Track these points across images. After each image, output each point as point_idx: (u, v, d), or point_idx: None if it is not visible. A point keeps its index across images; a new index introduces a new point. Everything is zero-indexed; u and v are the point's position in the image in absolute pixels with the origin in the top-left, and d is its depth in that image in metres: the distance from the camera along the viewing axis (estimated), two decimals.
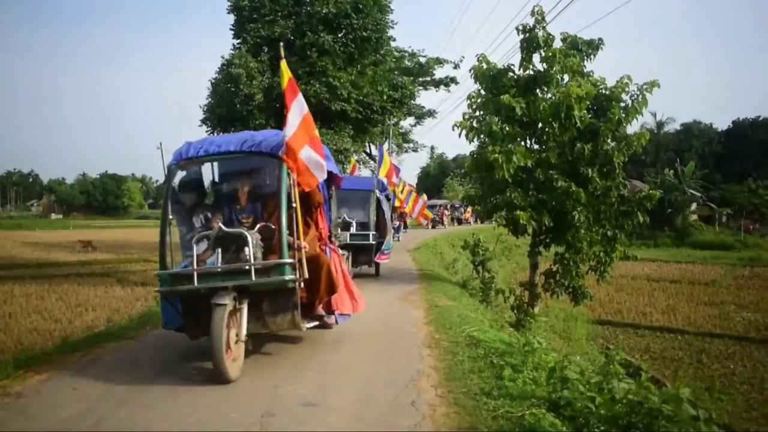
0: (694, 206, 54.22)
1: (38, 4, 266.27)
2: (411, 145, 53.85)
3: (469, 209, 45.93)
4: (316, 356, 6.76)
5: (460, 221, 49.78)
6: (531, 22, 13.17)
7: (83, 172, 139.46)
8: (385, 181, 15.54)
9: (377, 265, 14.63)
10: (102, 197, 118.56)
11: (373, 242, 13.33)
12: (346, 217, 13.08)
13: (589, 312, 23.15)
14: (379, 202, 14.26)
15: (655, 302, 25.73)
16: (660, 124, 64.76)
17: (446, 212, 47.95)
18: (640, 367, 12.36)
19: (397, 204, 24.09)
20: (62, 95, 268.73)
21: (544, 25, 13.07)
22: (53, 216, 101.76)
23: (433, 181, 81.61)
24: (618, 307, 24.73)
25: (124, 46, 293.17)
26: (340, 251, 9.68)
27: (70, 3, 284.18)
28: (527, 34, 13.12)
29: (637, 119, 13.63)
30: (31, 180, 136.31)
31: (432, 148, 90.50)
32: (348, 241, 12.61)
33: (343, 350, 7.11)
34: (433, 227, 41.82)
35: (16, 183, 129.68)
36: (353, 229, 13.07)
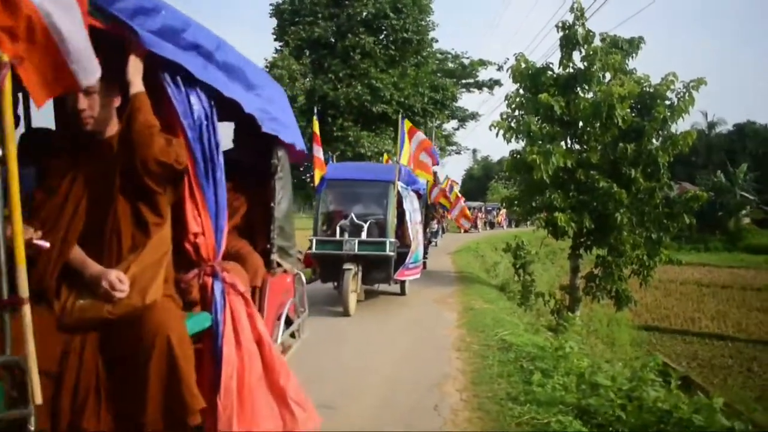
0: (747, 209, 52.36)
1: None
2: (454, 147, 53.52)
3: (503, 212, 44.76)
4: (341, 357, 6.67)
5: (492, 225, 46.55)
6: (570, 18, 12.88)
7: None
8: (409, 169, 11.55)
9: (402, 283, 11.13)
10: None
11: (391, 253, 9.37)
12: (354, 219, 9.47)
13: (635, 317, 22.55)
14: (400, 198, 10.31)
15: (705, 308, 24.94)
16: (711, 125, 62.69)
17: (480, 215, 44.56)
18: (686, 375, 12.00)
19: (443, 201, 21.99)
20: None
21: (584, 21, 12.74)
22: None
23: (477, 184, 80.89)
24: (665, 313, 24.05)
25: None
26: (349, 266, 8.90)
27: None
28: (566, 32, 12.83)
29: (683, 119, 13.16)
30: None
31: (474, 150, 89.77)
32: (356, 251, 9.14)
33: (369, 351, 7.01)
34: (466, 231, 39.83)
35: None
36: (364, 235, 9.33)
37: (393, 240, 9.45)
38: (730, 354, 19.03)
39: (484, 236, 34.40)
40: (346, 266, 8.87)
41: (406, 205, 10.38)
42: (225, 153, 2.95)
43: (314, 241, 9.36)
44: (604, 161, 13.21)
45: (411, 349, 7.27)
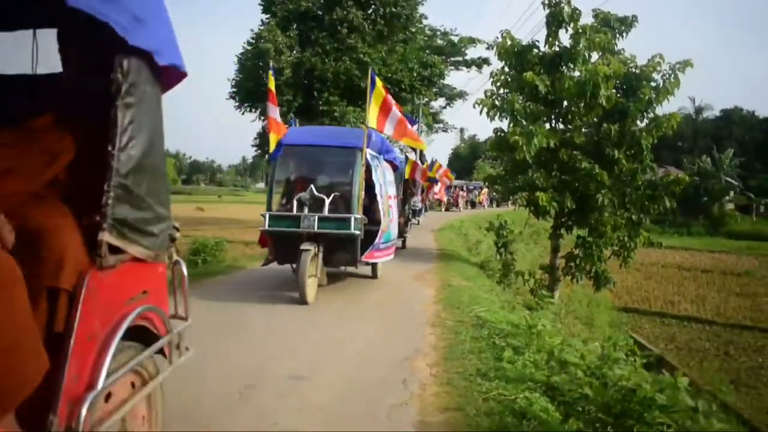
0: (731, 195, 52.81)
1: None
2: (441, 125, 53.34)
3: (484, 192, 44.33)
4: (315, 330, 6.63)
5: (473, 204, 45.44)
6: None
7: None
8: (383, 136, 9.93)
9: (374, 265, 9.96)
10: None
11: (357, 231, 8.04)
12: (315, 191, 8.16)
13: (615, 299, 22.76)
14: (370, 168, 8.96)
15: (685, 291, 25.24)
16: (699, 110, 63.03)
17: (462, 194, 43.84)
18: (661, 356, 12.11)
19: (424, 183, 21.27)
20: None
21: None
22: None
23: (464, 163, 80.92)
24: (645, 295, 24.31)
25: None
26: (307, 247, 7.72)
27: None
28: (552, 9, 12.67)
29: (668, 101, 13.10)
30: None
31: (462, 129, 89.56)
32: (316, 229, 7.89)
33: (344, 326, 6.97)
34: (447, 210, 38.35)
35: None
36: (326, 210, 8.05)
37: (359, 216, 8.17)
38: (707, 337, 19.28)
39: (467, 215, 34.35)
40: (304, 246, 7.72)
41: (376, 177, 9.05)
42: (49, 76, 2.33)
43: (267, 217, 8.20)
44: (587, 142, 13.15)
45: (385, 324, 7.23)
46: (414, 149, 45.81)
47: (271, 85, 8.58)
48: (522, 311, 9.06)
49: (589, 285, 15.28)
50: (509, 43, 13.14)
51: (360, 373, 5.17)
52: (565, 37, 13.01)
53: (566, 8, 12.41)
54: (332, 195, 8.26)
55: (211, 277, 10.24)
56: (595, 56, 13.12)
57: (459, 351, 5.84)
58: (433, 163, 22.32)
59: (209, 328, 5.79)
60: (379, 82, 9.04)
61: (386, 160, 10.40)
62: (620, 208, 13.29)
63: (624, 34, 13.27)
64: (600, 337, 14.12)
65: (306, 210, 8.05)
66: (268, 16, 25.04)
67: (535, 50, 13.28)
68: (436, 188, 21.34)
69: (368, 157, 8.74)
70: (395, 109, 9.18)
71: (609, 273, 14.24)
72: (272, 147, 8.35)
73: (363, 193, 8.49)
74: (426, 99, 37.06)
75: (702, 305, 22.87)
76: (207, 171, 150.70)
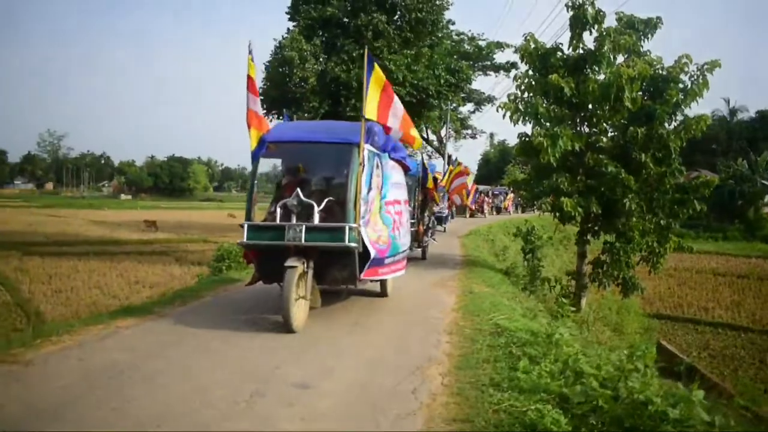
0: (767, 198, 51.39)
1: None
2: (469, 131, 53.11)
3: (510, 197, 43.60)
4: (327, 337, 6.56)
5: (499, 210, 44.13)
6: None
7: (152, 154, 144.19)
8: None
9: (383, 282, 8.83)
10: (169, 179, 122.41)
11: (353, 243, 6.79)
12: (301, 196, 7.01)
13: (647, 305, 22.31)
14: (374, 167, 7.87)
15: (719, 297, 24.60)
16: (733, 112, 61.57)
17: (487, 200, 42.39)
18: (692, 365, 11.75)
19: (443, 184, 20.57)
20: (132, 81, 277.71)
21: (593, 0, 12.35)
22: (122, 197, 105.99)
23: (494, 168, 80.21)
24: (678, 301, 23.77)
25: (188, 33, 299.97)
26: (293, 263, 6.57)
27: None
28: (576, 11, 12.46)
29: (697, 102, 12.77)
30: (102, 162, 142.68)
31: (491, 134, 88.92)
32: (303, 241, 6.71)
33: (357, 333, 6.89)
34: (472, 216, 36.69)
35: (89, 164, 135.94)
36: (316, 219, 6.89)
37: (355, 225, 6.85)
38: (742, 345, 18.77)
39: (494, 221, 34.02)
40: (289, 263, 6.59)
41: (367, 178, 7.46)
42: None
43: (245, 228, 6.99)
44: (614, 145, 12.90)
45: (400, 332, 7.13)
46: (441, 154, 45.63)
47: (252, 71, 7.28)
48: (544, 319, 8.88)
49: (619, 291, 14.97)
50: (533, 46, 12.97)
51: (369, 381, 5.08)
52: (589, 40, 12.80)
53: (590, 10, 12.20)
54: (326, 200, 7.13)
55: (212, 290, 9.97)
56: (620, 58, 12.88)
57: (474, 360, 5.73)
58: (453, 161, 21.78)
59: (152, 368, 5.31)
60: (377, 68, 7.52)
61: (394, 159, 8.99)
62: (648, 213, 12.98)
63: (649, 36, 12.98)
64: (628, 345, 13.83)
65: (294, 219, 6.92)
66: (293, 24, 25.23)
67: (559, 53, 13.07)
68: (456, 199, 20.91)
69: (366, 153, 7.37)
70: (397, 100, 7.99)
71: (638, 279, 13.92)
72: (253, 144, 7.28)
73: (362, 195, 7.11)
74: (454, 105, 36.98)
75: (737, 311, 22.26)
76: (238, 178, 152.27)
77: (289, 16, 25.68)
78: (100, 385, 4.76)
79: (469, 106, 48.59)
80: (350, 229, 6.78)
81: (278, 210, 7.05)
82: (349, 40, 24.07)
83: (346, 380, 5.07)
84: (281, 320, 6.61)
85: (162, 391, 4.65)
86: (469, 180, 23.18)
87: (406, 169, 10.00)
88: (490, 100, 46.34)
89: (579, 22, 12.42)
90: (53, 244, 28.31)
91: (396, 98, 7.91)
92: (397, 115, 7.95)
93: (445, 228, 24.92)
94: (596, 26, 12.42)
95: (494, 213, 42.79)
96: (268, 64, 25.07)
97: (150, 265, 23.25)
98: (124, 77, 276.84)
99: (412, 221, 12.94)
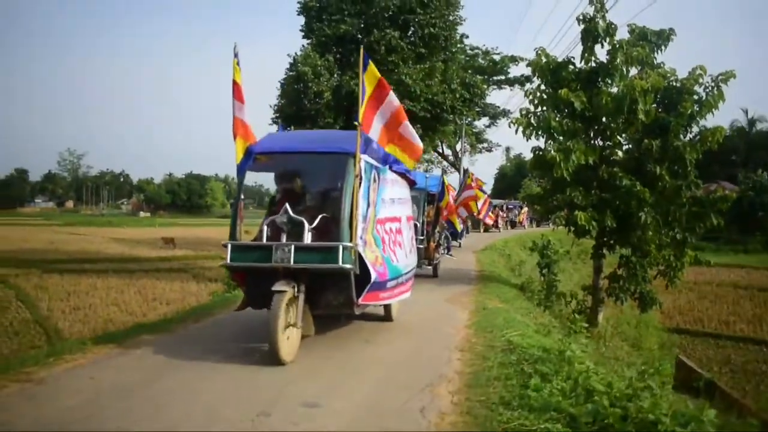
0: None
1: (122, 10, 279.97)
2: (485, 145, 53.04)
3: (524, 211, 43.23)
4: (338, 354, 6.54)
5: (513, 224, 43.46)
6: (591, 11, 12.46)
7: (170, 172, 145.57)
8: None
9: (387, 306, 8.25)
10: (186, 196, 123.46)
11: (348, 265, 6.10)
12: (290, 212, 6.36)
13: (666, 319, 21.98)
14: (371, 180, 7.16)
15: (741, 311, 24.12)
16: (752, 122, 60.85)
17: (501, 214, 41.42)
18: (711, 380, 11.54)
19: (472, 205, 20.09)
20: (151, 99, 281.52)
21: (604, 13, 12.33)
22: (141, 214, 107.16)
23: (510, 182, 79.91)
24: (698, 315, 23.35)
25: (207, 52, 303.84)
26: (281, 288, 5.95)
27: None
28: (587, 24, 12.43)
29: (713, 114, 12.63)
30: (121, 180, 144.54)
31: (507, 148, 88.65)
32: (292, 263, 6.06)
33: (368, 350, 6.86)
34: (486, 231, 36.13)
35: (109, 183, 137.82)
36: (307, 238, 6.24)
37: (350, 244, 6.16)
38: (765, 359, 18.35)
39: (509, 235, 33.73)
40: (278, 287, 5.97)
41: (364, 193, 6.66)
42: None
43: (229, 248, 6.40)
44: (628, 158, 12.80)
45: (412, 349, 7.09)
46: (452, 161, 45.38)
47: (237, 76, 6.71)
48: (558, 335, 8.78)
49: (636, 306, 14.78)
50: (544, 60, 12.95)
51: (378, 400, 5.05)
52: (601, 53, 12.76)
53: (601, 23, 12.17)
54: (320, 216, 6.45)
55: (225, 307, 9.92)
56: (633, 71, 12.80)
57: (484, 378, 5.67)
58: (465, 172, 21.42)
59: (161, 387, 5.29)
60: (372, 66, 6.73)
61: (396, 172, 8.28)
62: (665, 227, 12.83)
63: (663, 47, 12.91)
64: (644, 361, 13.65)
65: (284, 237, 6.29)
66: (308, 41, 25.45)
67: (571, 66, 13.03)
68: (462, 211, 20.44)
69: (363, 165, 6.64)
70: (392, 99, 6.91)
71: (655, 293, 13.74)
72: (238, 156, 6.70)
73: (360, 211, 6.44)
74: (468, 119, 37.01)
75: (759, 325, 21.79)
76: (255, 195, 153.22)
77: (303, 34, 25.93)
78: (110, 405, 4.78)
79: (485, 120, 48.63)
80: (344, 248, 6.09)
81: (265, 228, 6.47)
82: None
83: (355, 399, 5.04)
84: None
85: (169, 411, 4.65)
86: (481, 194, 22.87)
87: (411, 184, 9.46)
88: (506, 113, 46.29)
89: (590, 36, 12.38)
90: (73, 262, 28.58)
91: (391, 95, 6.91)
92: (384, 117, 6.93)
93: (460, 243, 24.80)
94: (608, 39, 12.37)
95: (508, 227, 42.40)
96: (283, 81, 25.28)
97: (168, 281, 23.39)
98: (142, 96, 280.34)
99: (421, 238, 12.64)
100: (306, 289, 6.26)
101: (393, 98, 6.89)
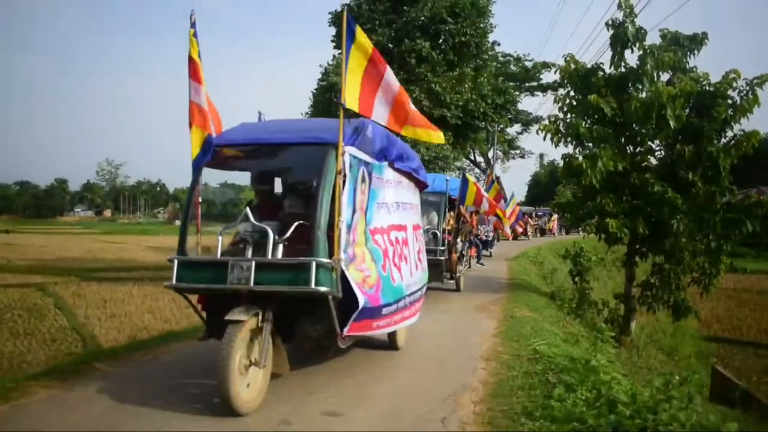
0: None
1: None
2: (518, 152, 52.74)
3: (554, 218, 42.23)
4: (362, 363, 6.56)
5: (543, 232, 42.68)
6: (620, 16, 12.33)
7: (205, 182, 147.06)
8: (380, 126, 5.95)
9: (393, 336, 6.99)
10: (222, 206, 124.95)
11: (324, 287, 4.71)
12: (252, 218, 5.05)
13: (703, 327, 21.51)
14: (359, 180, 5.53)
15: None
16: None
17: (531, 221, 40.47)
18: (747, 390, 11.25)
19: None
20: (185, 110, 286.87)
21: (633, 18, 12.18)
22: (177, 222, 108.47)
23: (544, 189, 79.17)
24: (737, 324, 22.79)
25: (234, 61, 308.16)
26: (239, 316, 4.60)
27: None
28: (616, 30, 12.30)
29: (748, 118, 12.37)
30: (158, 189, 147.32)
31: (541, 155, 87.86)
32: (252, 284, 4.70)
33: (392, 359, 6.87)
34: (515, 239, 34.24)
35: (145, 192, 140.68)
36: (276, 252, 4.91)
37: (327, 261, 4.78)
38: None
39: (542, 243, 33.24)
40: (232, 315, 4.64)
41: (350, 196, 5.23)
42: None
43: (175, 264, 5.07)
44: (660, 164, 12.60)
45: (437, 358, 7.08)
46: (483, 168, 44.96)
47: (194, 51, 5.11)
48: (586, 344, 8.68)
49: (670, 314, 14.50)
50: (573, 66, 12.84)
51: (400, 408, 5.06)
52: (632, 58, 12.61)
53: (630, 28, 12.02)
54: (294, 224, 5.04)
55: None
56: (665, 76, 12.63)
57: (508, 387, 5.65)
58: (495, 180, 21.16)
59: (187, 393, 5.28)
60: (360, 32, 5.22)
61: (400, 171, 6.91)
62: (698, 233, 12.59)
63: (696, 52, 12.70)
64: (669, 371, 13.38)
65: (249, 251, 4.99)
66: (339, 51, 25.67)
67: (601, 72, 12.89)
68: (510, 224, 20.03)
69: (348, 159, 5.19)
70: (389, 78, 5.55)
71: (690, 302, 13.46)
72: (194, 149, 5.21)
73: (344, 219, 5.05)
74: (500, 126, 36.84)
75: None
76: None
77: (335, 44, 26.15)
78: (135, 413, 4.83)
79: (517, 127, 48.37)
80: (319, 266, 4.71)
81: (220, 239, 5.15)
82: (393, 65, 24.30)
83: (377, 408, 5.06)
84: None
85: (193, 419, 4.71)
86: (512, 204, 22.69)
87: (421, 186, 7.96)
88: (538, 120, 45.96)
89: (620, 41, 12.24)
90: (110, 270, 29.16)
91: (389, 72, 5.55)
92: (387, 98, 5.63)
93: (491, 252, 24.62)
94: (638, 44, 12.22)
95: (538, 235, 41.60)
96: (315, 91, 25.52)
97: None
98: (177, 106, 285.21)
99: (442, 248, 11.61)
100: (276, 316, 4.96)
101: (392, 77, 5.57)
